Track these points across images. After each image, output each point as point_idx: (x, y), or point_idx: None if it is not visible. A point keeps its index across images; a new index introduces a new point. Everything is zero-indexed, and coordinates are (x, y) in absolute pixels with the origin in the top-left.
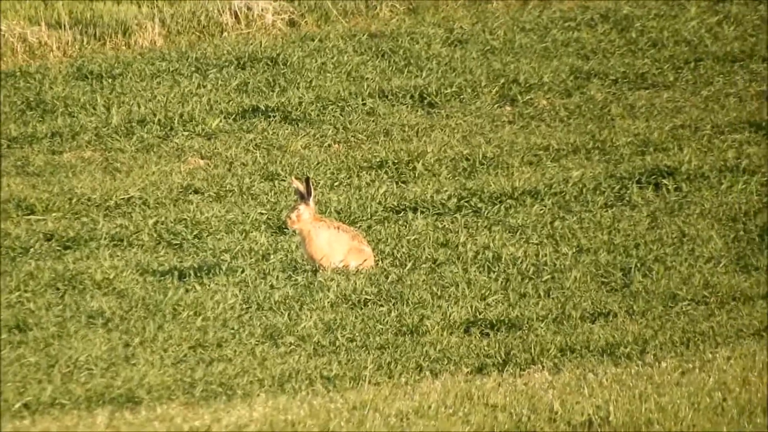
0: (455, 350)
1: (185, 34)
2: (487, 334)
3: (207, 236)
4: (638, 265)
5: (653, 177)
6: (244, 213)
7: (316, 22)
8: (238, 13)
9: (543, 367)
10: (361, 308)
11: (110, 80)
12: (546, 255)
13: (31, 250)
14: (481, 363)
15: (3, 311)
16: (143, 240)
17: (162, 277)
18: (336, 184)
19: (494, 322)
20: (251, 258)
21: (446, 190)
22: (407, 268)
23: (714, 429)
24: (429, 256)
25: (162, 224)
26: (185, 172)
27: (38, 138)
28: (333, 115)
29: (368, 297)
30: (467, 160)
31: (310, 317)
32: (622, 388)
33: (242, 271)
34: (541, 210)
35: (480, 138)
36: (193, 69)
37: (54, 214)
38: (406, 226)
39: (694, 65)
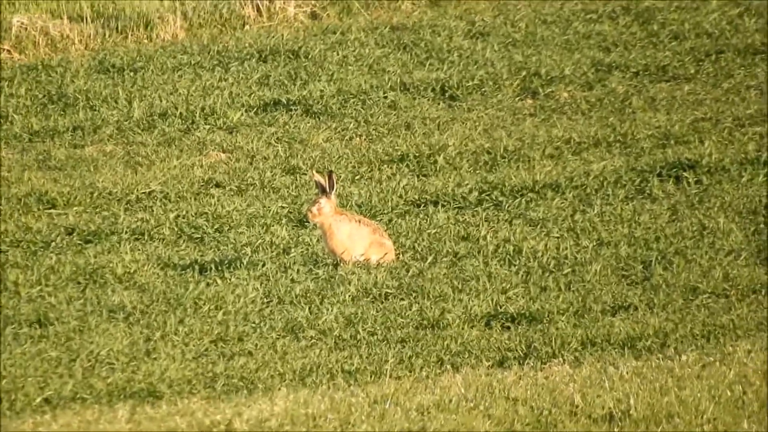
0: (476, 344)
1: (207, 27)
2: (508, 328)
3: (228, 230)
4: (659, 258)
5: (674, 170)
6: (265, 207)
7: (338, 14)
8: (260, 6)
9: (564, 360)
10: (382, 302)
11: (132, 74)
12: (567, 248)
13: (53, 244)
14: (502, 356)
15: (24, 306)
16: (164, 234)
17: (183, 271)
18: (357, 177)
19: (515, 315)
20: (272, 252)
21: (467, 184)
22: (428, 261)
23: (735, 422)
24: (450, 250)
25: (183, 218)
26: (207, 166)
27: (60, 132)
28: (354, 109)
29: (389, 291)
30: (488, 153)
31: (331, 311)
32: (643, 382)
33: (263, 265)
34: (562, 203)
35: (501, 131)
36: (215, 62)
37: (75, 208)
38: (427, 220)
39: (715, 58)
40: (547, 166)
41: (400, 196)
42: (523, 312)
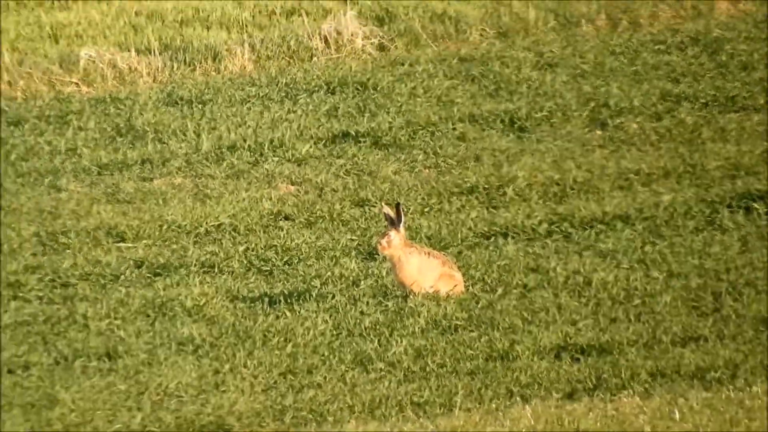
0: (545, 375)
1: (275, 59)
2: (578, 359)
3: (297, 262)
4: (729, 289)
5: (744, 201)
6: (334, 239)
7: (406, 46)
8: (328, 38)
9: (634, 392)
10: (452, 334)
11: (200, 106)
12: (636, 279)
13: (122, 277)
14: (572, 388)
15: (93, 338)
16: (233, 266)
17: (252, 304)
18: (426, 209)
19: (585, 347)
20: (341, 284)
21: (537, 215)
22: (498, 293)
23: None
24: (519, 282)
25: (252, 251)
26: (275, 198)
27: (128, 165)
28: (423, 140)
29: (459, 322)
30: (558, 184)
31: (401, 343)
32: (713, 413)
33: (332, 297)
34: (631, 235)
35: (570, 162)
36: (283, 94)
37: (144, 241)
38: (496, 252)
39: None
40: (617, 198)
41: (470, 228)
42: (592, 343)
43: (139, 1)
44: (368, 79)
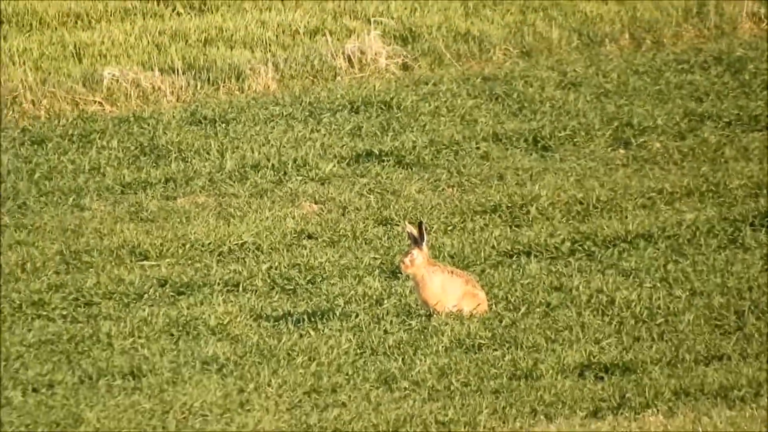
0: (569, 394)
1: (298, 78)
2: (602, 378)
3: (321, 281)
4: (752, 307)
5: (766, 219)
6: (357, 258)
7: (430, 66)
8: (352, 57)
9: (657, 410)
10: (475, 352)
11: (224, 125)
12: (659, 298)
13: (145, 296)
14: (596, 407)
15: (117, 357)
16: (257, 285)
17: (276, 323)
18: (449, 228)
19: (608, 365)
20: (365, 303)
21: (560, 234)
22: (521, 312)
23: None
24: (543, 300)
25: (276, 269)
26: (299, 217)
27: (152, 183)
28: (447, 159)
29: (482, 341)
30: (581, 203)
31: (425, 362)
32: None
33: (356, 316)
34: (654, 253)
35: (594, 181)
36: (307, 113)
37: (168, 260)
38: (519, 270)
39: None
40: (640, 216)
41: (493, 247)
42: (616, 362)
43: (162, 21)
44: (392, 98)
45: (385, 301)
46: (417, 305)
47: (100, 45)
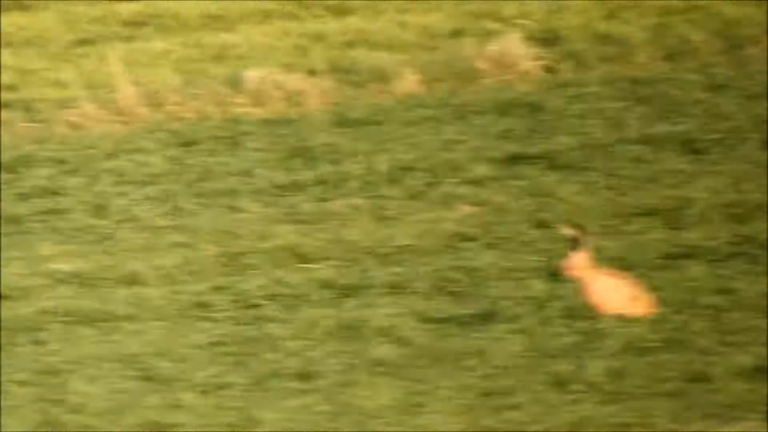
0: (744, 397)
1: (443, 80)
2: None
3: (483, 284)
4: None
5: None
6: (518, 260)
7: (573, 68)
8: (494, 59)
9: None
10: (644, 355)
11: (372, 127)
12: None
13: (309, 297)
14: None
15: (286, 359)
16: (419, 288)
17: (441, 325)
18: (608, 231)
19: None
20: (529, 305)
21: (720, 237)
22: (687, 315)
23: None
24: (709, 303)
25: (437, 272)
26: (455, 220)
27: (304, 185)
28: (599, 162)
29: (651, 344)
30: (738, 206)
31: (596, 364)
32: None
33: (522, 319)
34: None
35: (749, 184)
36: (454, 116)
37: (327, 262)
38: (681, 273)
39: None
40: None
41: (653, 250)
42: None
43: (301, 23)
44: (538, 101)
45: (550, 304)
46: (582, 308)
47: (240, 47)
